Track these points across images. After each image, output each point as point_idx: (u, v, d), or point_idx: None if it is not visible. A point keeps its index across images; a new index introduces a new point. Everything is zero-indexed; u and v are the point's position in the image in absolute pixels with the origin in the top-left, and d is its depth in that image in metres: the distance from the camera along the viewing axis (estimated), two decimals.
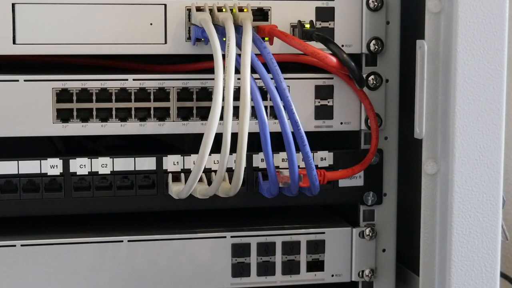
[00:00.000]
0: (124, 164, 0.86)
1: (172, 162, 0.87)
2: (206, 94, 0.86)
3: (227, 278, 0.90)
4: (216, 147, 0.80)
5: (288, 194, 0.86)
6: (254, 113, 0.81)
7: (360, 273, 0.92)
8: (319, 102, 0.89)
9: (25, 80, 0.83)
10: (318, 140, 0.89)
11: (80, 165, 0.85)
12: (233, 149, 0.80)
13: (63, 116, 0.84)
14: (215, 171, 0.84)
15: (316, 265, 0.91)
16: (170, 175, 0.87)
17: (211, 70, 0.80)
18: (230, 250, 0.89)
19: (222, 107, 0.79)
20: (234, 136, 0.79)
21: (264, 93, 0.83)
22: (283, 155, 0.87)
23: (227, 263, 0.89)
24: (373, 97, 0.89)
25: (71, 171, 0.85)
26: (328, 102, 0.89)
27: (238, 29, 0.82)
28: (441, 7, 0.81)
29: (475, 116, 0.80)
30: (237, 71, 0.80)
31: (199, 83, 0.86)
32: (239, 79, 0.79)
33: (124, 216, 0.91)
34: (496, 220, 0.83)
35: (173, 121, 0.86)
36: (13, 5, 0.82)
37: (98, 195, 0.86)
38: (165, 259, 0.88)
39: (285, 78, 0.82)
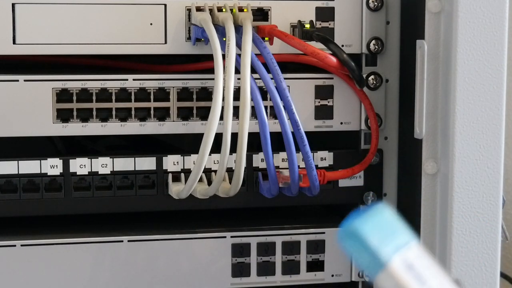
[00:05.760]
0: (124, 164, 0.86)
1: (172, 162, 0.86)
2: (206, 94, 0.86)
3: (227, 278, 0.90)
4: (216, 147, 0.80)
5: (288, 194, 0.86)
6: (254, 113, 0.81)
7: (360, 273, 0.92)
8: (319, 102, 0.89)
9: (25, 80, 0.83)
10: (318, 140, 0.89)
11: (80, 165, 0.85)
12: (233, 149, 0.80)
13: (63, 116, 0.84)
14: (215, 171, 0.84)
15: (316, 265, 0.91)
16: (170, 175, 0.87)
17: (211, 70, 0.80)
18: (230, 250, 0.89)
19: (222, 107, 0.79)
20: (234, 136, 0.79)
21: (264, 93, 0.83)
22: (283, 155, 0.87)
23: (227, 263, 0.89)
24: (373, 97, 0.89)
25: (71, 171, 0.85)
26: (328, 102, 0.89)
27: (238, 29, 0.82)
28: (441, 7, 0.81)
29: (475, 116, 0.80)
30: (237, 71, 0.80)
31: (199, 83, 0.86)
32: (239, 79, 0.79)
33: (124, 216, 0.91)
34: (496, 220, 0.83)
35: (173, 121, 0.86)
36: (13, 5, 0.82)
37: (98, 195, 0.86)
38: (165, 259, 0.88)
39: (285, 78, 0.82)
